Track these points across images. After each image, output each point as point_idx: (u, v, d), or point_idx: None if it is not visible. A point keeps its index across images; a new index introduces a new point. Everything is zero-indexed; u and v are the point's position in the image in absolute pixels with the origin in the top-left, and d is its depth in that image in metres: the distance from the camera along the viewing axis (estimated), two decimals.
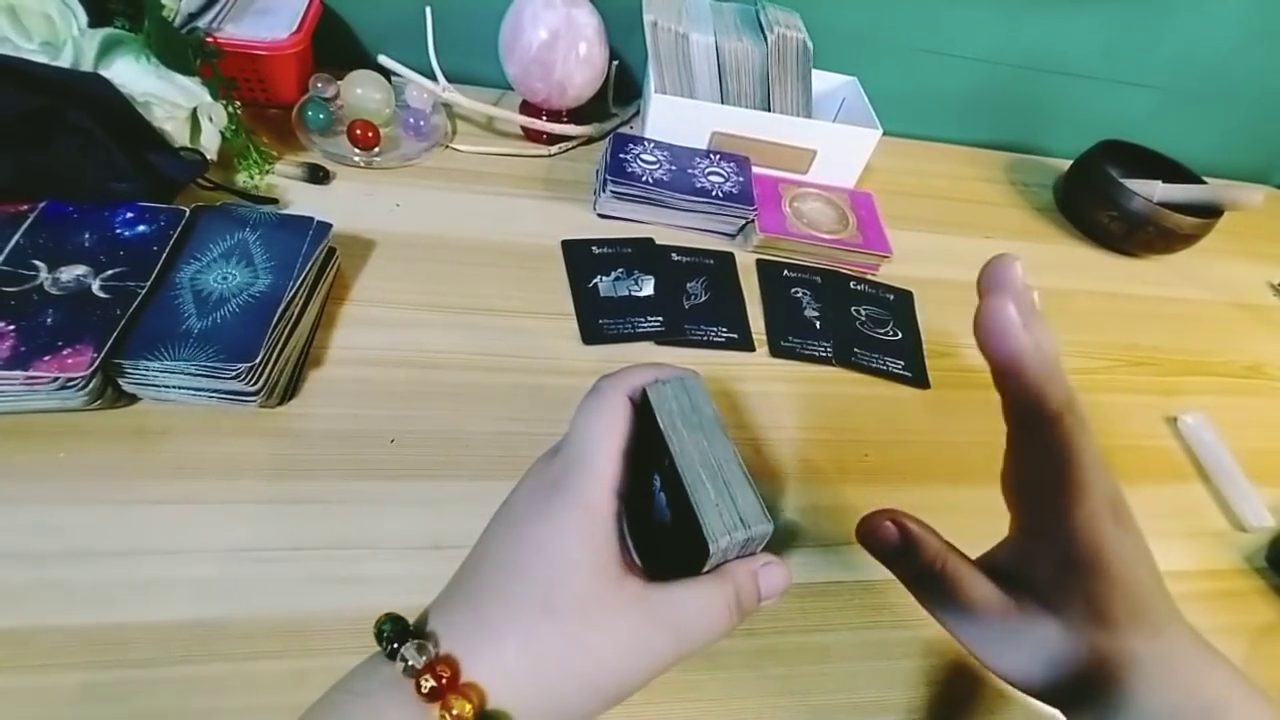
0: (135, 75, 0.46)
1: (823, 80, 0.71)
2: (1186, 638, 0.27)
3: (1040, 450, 0.25)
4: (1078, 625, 0.27)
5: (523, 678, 0.22)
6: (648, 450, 0.27)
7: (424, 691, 0.21)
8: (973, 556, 0.47)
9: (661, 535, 0.27)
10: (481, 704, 0.21)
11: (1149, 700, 0.25)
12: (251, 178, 0.54)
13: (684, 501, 0.24)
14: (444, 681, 0.21)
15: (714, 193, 0.60)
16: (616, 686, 0.23)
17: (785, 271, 0.61)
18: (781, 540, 0.43)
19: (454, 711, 0.20)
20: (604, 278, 0.55)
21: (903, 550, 0.29)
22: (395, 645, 0.22)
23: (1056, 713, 0.28)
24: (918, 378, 0.55)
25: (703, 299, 0.56)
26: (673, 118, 0.63)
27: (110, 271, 0.41)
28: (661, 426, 0.25)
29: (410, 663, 0.21)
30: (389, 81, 0.61)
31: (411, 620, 0.24)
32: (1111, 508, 0.26)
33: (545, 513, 0.24)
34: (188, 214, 0.45)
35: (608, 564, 0.23)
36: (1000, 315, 0.23)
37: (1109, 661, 0.26)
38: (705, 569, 0.25)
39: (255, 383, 0.39)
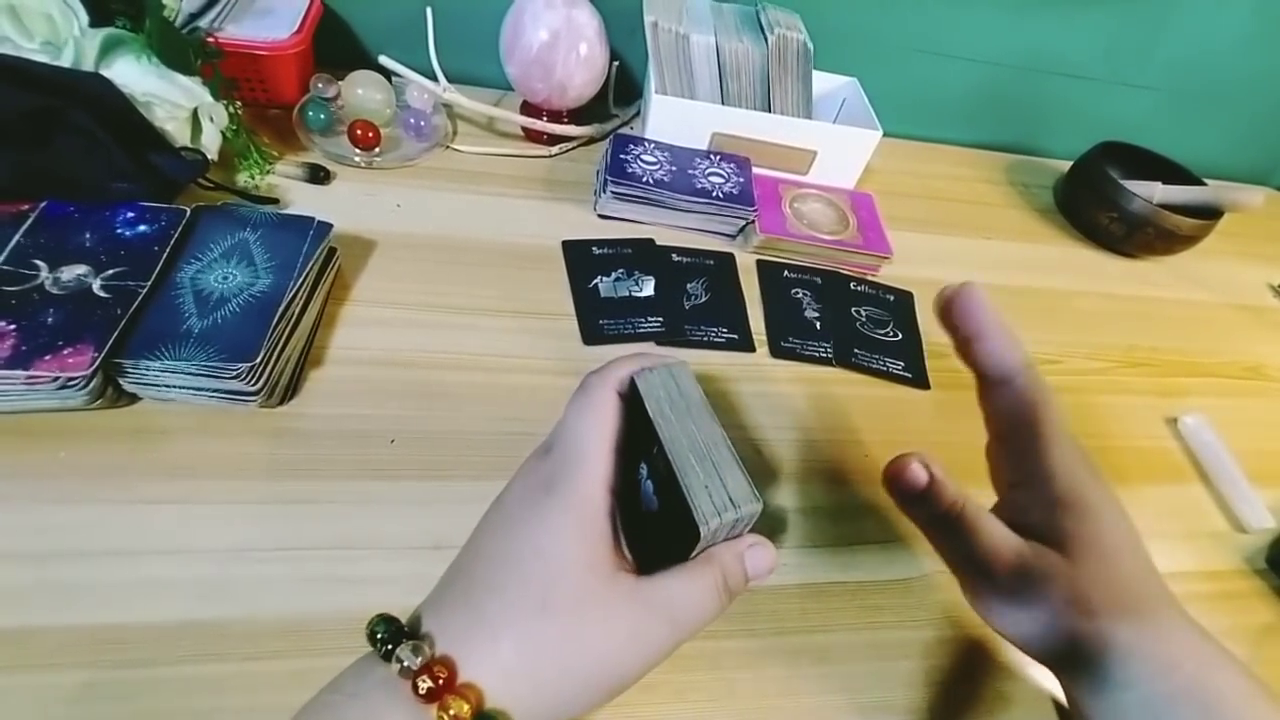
0: (136, 75, 0.46)
1: (823, 81, 0.71)
2: (1173, 619, 0.28)
3: (1013, 401, 0.32)
4: (1062, 611, 0.28)
5: (520, 677, 0.22)
6: (635, 440, 0.27)
7: (421, 693, 0.21)
8: None
9: (649, 523, 0.27)
10: (479, 704, 0.21)
11: (1128, 677, 0.27)
12: (252, 178, 0.54)
13: (674, 486, 0.25)
14: (441, 682, 0.21)
15: (714, 193, 0.60)
16: (616, 680, 0.23)
17: (785, 272, 0.61)
18: (782, 540, 0.43)
19: (451, 712, 0.20)
20: (604, 278, 0.55)
21: (925, 493, 0.30)
22: (390, 647, 0.22)
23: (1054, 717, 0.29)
24: (918, 378, 0.56)
25: (703, 299, 0.56)
26: (673, 118, 0.63)
27: (111, 271, 0.41)
28: (650, 413, 0.26)
29: (406, 664, 0.21)
30: (390, 82, 0.61)
31: (404, 620, 0.24)
32: (1083, 455, 0.31)
33: (540, 512, 0.25)
34: (188, 214, 0.45)
35: (602, 560, 0.24)
36: (973, 291, 0.33)
37: (1092, 639, 0.28)
38: (695, 552, 0.25)
39: (256, 382, 0.39)
